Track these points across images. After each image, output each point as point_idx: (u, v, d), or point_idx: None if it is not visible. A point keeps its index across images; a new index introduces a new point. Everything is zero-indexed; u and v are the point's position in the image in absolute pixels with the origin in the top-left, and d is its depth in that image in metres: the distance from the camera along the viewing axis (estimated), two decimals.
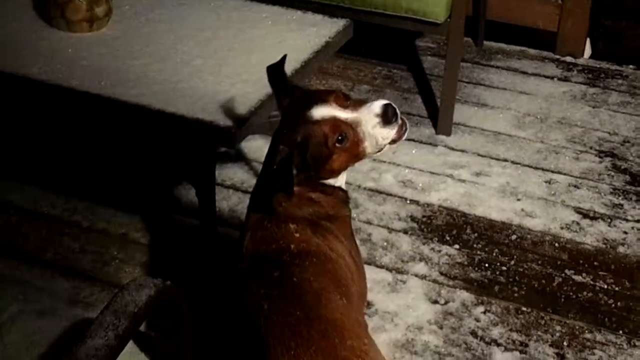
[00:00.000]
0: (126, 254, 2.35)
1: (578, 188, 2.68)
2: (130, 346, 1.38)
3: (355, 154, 1.55)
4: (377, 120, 1.52)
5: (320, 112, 1.51)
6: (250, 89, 2.03)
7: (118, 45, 2.21)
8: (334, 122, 1.51)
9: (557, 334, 2.12)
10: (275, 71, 1.65)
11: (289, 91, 1.62)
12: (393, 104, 1.54)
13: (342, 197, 1.65)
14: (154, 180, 2.67)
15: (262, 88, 2.01)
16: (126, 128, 2.62)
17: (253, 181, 2.67)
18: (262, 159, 2.71)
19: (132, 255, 2.34)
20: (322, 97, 1.53)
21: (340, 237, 1.60)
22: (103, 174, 2.69)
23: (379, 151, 1.58)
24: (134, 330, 1.19)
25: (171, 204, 2.56)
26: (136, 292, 1.24)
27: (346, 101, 1.54)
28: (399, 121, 1.55)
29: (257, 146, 2.81)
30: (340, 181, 1.63)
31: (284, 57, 1.66)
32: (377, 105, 1.53)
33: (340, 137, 1.51)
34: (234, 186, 2.65)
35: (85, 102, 2.02)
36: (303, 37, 2.29)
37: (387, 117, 1.52)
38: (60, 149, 2.82)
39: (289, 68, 2.10)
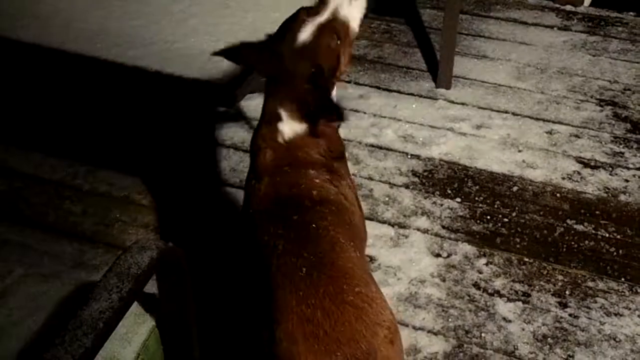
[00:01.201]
0: (129, 216, 2.36)
1: (579, 137, 2.68)
2: (135, 307, 1.40)
3: (350, 40, 1.61)
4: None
5: (306, 32, 1.55)
6: None
7: (114, 7, 2.20)
8: (322, 28, 1.56)
9: (560, 284, 2.14)
10: (231, 55, 1.64)
11: (264, 51, 1.61)
12: None
13: (338, 139, 1.67)
14: (155, 142, 2.67)
15: None
16: (124, 90, 2.61)
17: None
18: None
19: (135, 217, 2.35)
20: (296, 23, 1.57)
21: (347, 178, 1.64)
22: (103, 137, 2.68)
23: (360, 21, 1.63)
24: (137, 291, 1.20)
25: (173, 165, 2.56)
26: (139, 255, 1.25)
27: (313, 9, 1.59)
28: None
29: (256, 104, 2.79)
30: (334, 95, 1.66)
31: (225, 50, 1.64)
32: None
33: (336, 35, 1.57)
34: (234, 145, 2.64)
35: (82, 65, 2.02)
36: None
37: None
38: (60, 113, 2.81)
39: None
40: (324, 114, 1.55)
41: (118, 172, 2.52)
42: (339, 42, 1.57)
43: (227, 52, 1.61)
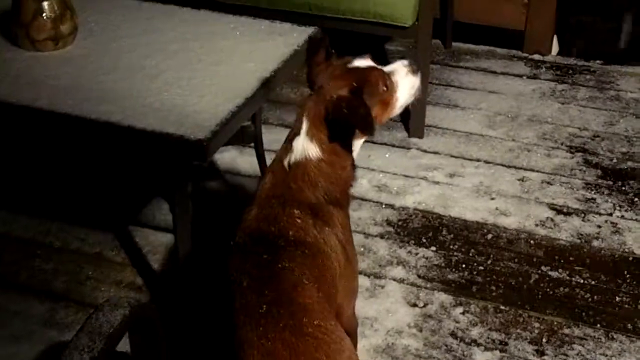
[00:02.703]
0: (101, 273, 2.33)
1: (551, 184, 2.70)
2: None
3: (391, 103, 1.72)
4: (407, 69, 1.76)
5: (364, 62, 1.70)
6: (220, 100, 2.02)
7: (85, 63, 2.20)
8: (378, 70, 1.69)
9: (536, 331, 2.14)
10: (317, 45, 1.76)
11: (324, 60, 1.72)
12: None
13: (352, 176, 1.70)
14: (127, 197, 2.66)
15: (233, 99, 2.02)
16: (97, 146, 2.61)
17: (227, 193, 2.67)
18: (235, 170, 2.75)
19: (107, 274, 2.33)
20: (359, 56, 1.71)
21: (339, 227, 1.65)
22: (75, 193, 2.66)
23: (404, 103, 1.76)
24: (109, 351, 1.18)
25: (146, 220, 2.55)
26: (110, 313, 1.23)
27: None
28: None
29: (229, 157, 2.81)
30: (356, 150, 1.71)
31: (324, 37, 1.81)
32: (404, 60, 1.79)
33: (384, 85, 1.68)
34: (209, 199, 2.64)
35: (53, 122, 2.01)
36: (272, 47, 2.29)
37: (414, 67, 1.77)
38: (31, 169, 2.79)
39: (258, 77, 2.11)
40: (353, 120, 1.59)
41: (90, 228, 2.50)
42: (385, 89, 1.68)
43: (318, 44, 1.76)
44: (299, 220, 1.58)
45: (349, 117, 1.57)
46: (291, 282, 1.48)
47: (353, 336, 1.72)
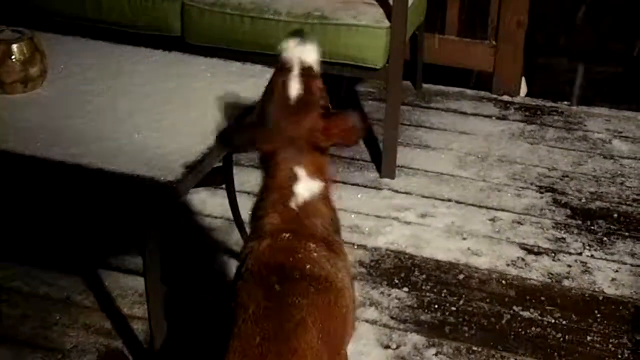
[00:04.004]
0: (69, 318, 2.29)
1: (521, 224, 2.72)
2: None
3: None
4: (294, 43, 1.69)
5: (295, 86, 1.63)
6: (191, 142, 2.02)
7: (54, 105, 2.19)
8: (303, 77, 1.64)
9: None
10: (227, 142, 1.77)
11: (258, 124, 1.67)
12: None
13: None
14: (96, 240, 2.62)
15: (203, 141, 2.02)
16: (66, 188, 2.58)
17: (198, 235, 2.65)
18: (206, 212, 2.73)
19: (76, 319, 2.28)
20: (278, 85, 1.66)
21: (347, 257, 1.67)
22: (43, 237, 2.63)
23: None
24: None
25: (115, 263, 2.52)
26: (79, 359, 1.21)
27: (282, 71, 1.68)
28: None
29: (200, 199, 2.79)
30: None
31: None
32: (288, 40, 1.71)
33: (315, 76, 1.66)
34: (179, 241, 2.61)
35: (21, 165, 1.99)
36: (243, 88, 2.30)
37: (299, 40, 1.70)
38: None
39: (230, 119, 2.11)
40: (345, 121, 1.62)
41: (59, 272, 2.46)
42: (320, 79, 1.66)
43: (222, 140, 1.75)
44: (315, 254, 1.58)
45: (345, 132, 1.63)
46: (294, 321, 1.47)
47: None
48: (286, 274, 1.54)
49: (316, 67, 1.68)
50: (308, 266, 1.55)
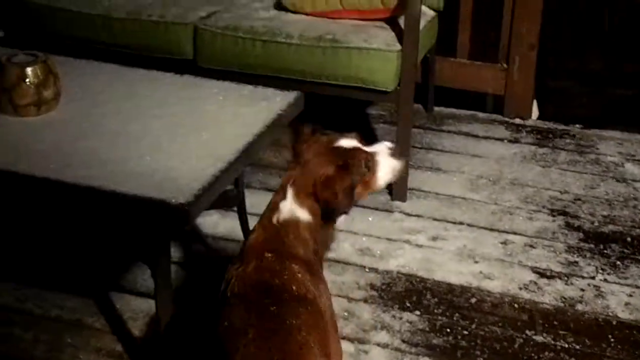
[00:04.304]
0: (80, 340, 2.28)
1: (534, 248, 2.70)
2: None
3: (372, 183, 1.79)
4: (389, 152, 1.81)
5: (349, 142, 1.76)
6: (203, 165, 2.03)
7: (67, 128, 2.20)
8: (361, 151, 1.75)
9: None
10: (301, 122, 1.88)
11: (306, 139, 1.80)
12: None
13: (331, 235, 1.84)
14: (108, 262, 2.63)
15: (215, 163, 2.02)
16: (77, 210, 2.59)
17: (210, 257, 2.65)
18: (218, 234, 2.73)
19: (87, 341, 2.28)
20: (343, 135, 1.78)
21: (325, 284, 1.70)
22: (55, 259, 2.63)
23: (384, 183, 1.82)
24: None
25: (126, 285, 2.52)
26: None
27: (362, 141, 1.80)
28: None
29: (212, 221, 2.79)
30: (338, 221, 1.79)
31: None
32: (388, 143, 1.85)
33: (366, 166, 1.74)
34: (190, 263, 2.61)
35: (34, 187, 2.00)
36: (254, 112, 2.31)
37: (396, 150, 1.84)
38: (10, 235, 2.76)
39: (242, 142, 2.12)
40: (339, 199, 1.67)
41: (70, 294, 2.46)
42: (367, 170, 1.75)
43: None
44: (299, 275, 1.61)
45: (336, 198, 1.66)
46: (298, 342, 1.47)
47: None
48: (276, 295, 1.56)
49: (376, 175, 1.78)
50: (294, 287, 1.58)
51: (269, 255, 1.63)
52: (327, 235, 1.79)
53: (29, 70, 2.19)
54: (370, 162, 1.76)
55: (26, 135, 2.16)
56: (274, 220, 1.70)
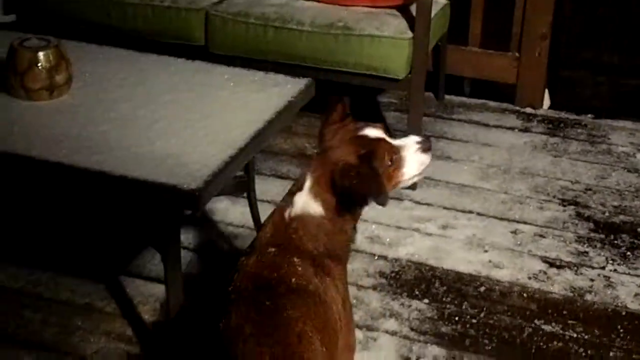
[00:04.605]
0: (91, 324, 2.30)
1: (543, 237, 2.70)
2: None
3: (397, 178, 1.70)
4: (418, 147, 1.71)
5: (375, 132, 1.67)
6: (213, 151, 2.03)
7: (79, 113, 2.21)
8: (387, 143, 1.66)
9: None
10: (335, 104, 1.77)
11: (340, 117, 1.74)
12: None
13: (352, 236, 1.71)
14: (118, 247, 2.64)
15: (226, 149, 2.02)
16: (89, 195, 2.60)
17: (220, 243, 2.66)
18: (228, 220, 2.74)
19: (97, 325, 2.29)
20: (370, 125, 1.70)
21: (337, 281, 1.64)
22: (66, 243, 2.65)
23: (411, 179, 1.74)
24: None
25: (137, 270, 2.53)
26: None
27: (388, 132, 1.72)
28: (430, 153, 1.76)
29: (222, 207, 2.80)
30: (361, 214, 1.72)
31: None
32: (417, 137, 1.75)
33: (390, 159, 1.66)
34: (200, 249, 2.62)
35: (46, 171, 2.01)
36: (266, 98, 2.31)
37: (425, 145, 1.73)
38: (21, 219, 2.77)
39: (253, 128, 2.12)
40: (361, 188, 1.58)
41: (80, 278, 2.47)
42: (390, 163, 1.66)
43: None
44: (299, 269, 1.57)
45: (356, 185, 1.58)
46: (296, 334, 1.46)
47: None
48: (273, 289, 1.53)
49: (403, 170, 1.70)
50: (293, 279, 1.55)
51: (272, 249, 1.60)
52: (346, 234, 1.66)
53: (41, 54, 2.19)
54: (395, 155, 1.67)
55: (38, 120, 2.17)
56: (286, 214, 1.63)
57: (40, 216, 2.78)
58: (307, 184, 1.64)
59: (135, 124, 2.16)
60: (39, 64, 2.19)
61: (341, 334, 1.61)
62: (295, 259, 1.58)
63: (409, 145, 1.71)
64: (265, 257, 1.59)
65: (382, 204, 1.60)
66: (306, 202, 1.62)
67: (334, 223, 1.63)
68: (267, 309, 1.49)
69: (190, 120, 2.18)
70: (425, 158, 1.73)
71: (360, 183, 1.58)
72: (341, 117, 1.73)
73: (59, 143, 2.04)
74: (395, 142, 1.70)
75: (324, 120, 1.74)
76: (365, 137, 1.66)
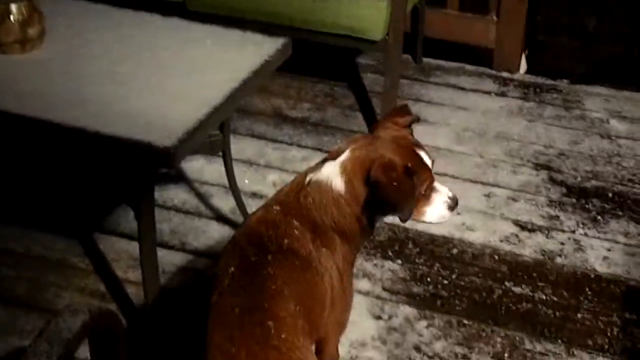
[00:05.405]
0: (64, 280, 2.30)
1: (516, 201, 2.73)
2: None
3: (416, 210, 1.68)
4: (448, 200, 1.72)
5: (427, 160, 1.68)
6: (189, 108, 2.01)
7: (53, 68, 2.18)
8: (432, 176, 1.69)
9: (498, 346, 2.15)
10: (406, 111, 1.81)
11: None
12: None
13: (368, 232, 1.70)
14: (92, 203, 2.63)
15: (201, 108, 2.01)
16: (63, 151, 2.58)
17: (194, 202, 2.66)
18: (203, 179, 2.74)
19: (70, 281, 2.30)
20: (426, 150, 1.71)
21: (339, 255, 1.62)
22: (40, 199, 2.63)
23: (422, 220, 1.73)
24: (68, 357, 1.17)
25: (111, 227, 2.53)
26: (70, 319, 1.22)
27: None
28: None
29: (197, 166, 2.80)
30: (377, 224, 1.71)
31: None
32: (451, 193, 1.74)
33: (424, 191, 1.67)
34: (175, 207, 2.62)
35: (20, 126, 1.99)
36: (242, 57, 2.29)
37: (453, 202, 1.73)
38: None
39: (229, 87, 2.11)
40: (392, 192, 1.57)
41: (54, 234, 2.47)
42: (422, 194, 1.66)
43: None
44: (296, 232, 1.57)
45: (389, 187, 1.56)
46: (270, 291, 1.48)
47: None
48: (263, 245, 1.55)
49: (426, 210, 1.70)
50: (286, 240, 1.55)
51: (277, 208, 1.60)
52: (359, 222, 1.62)
53: (13, 7, 2.15)
54: (431, 192, 1.68)
55: (11, 73, 2.14)
56: (307, 177, 1.61)
57: (14, 171, 2.76)
58: (343, 157, 1.62)
59: (111, 80, 2.13)
60: (12, 17, 2.15)
61: (333, 308, 1.62)
62: (295, 222, 1.58)
63: (443, 193, 1.72)
64: (269, 214, 1.60)
65: (404, 219, 1.61)
66: (332, 173, 1.61)
67: (349, 205, 1.60)
68: (250, 265, 1.51)
69: (166, 78, 2.16)
70: (447, 214, 1.73)
71: (394, 187, 1.56)
72: (403, 125, 1.74)
73: (32, 97, 2.02)
74: (435, 183, 1.71)
75: (387, 117, 1.77)
76: (419, 156, 1.66)
